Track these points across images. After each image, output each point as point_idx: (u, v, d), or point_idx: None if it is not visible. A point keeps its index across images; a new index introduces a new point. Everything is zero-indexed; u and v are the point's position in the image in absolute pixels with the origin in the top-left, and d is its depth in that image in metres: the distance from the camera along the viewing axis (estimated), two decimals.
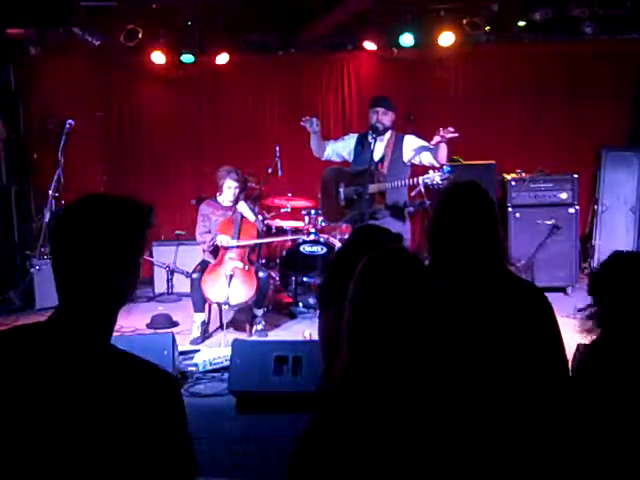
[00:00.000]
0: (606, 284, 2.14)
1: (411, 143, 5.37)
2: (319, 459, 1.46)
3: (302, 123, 5.42)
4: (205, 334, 5.85)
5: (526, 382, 2.08)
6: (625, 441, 1.94)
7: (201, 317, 5.86)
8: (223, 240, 5.77)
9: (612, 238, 7.45)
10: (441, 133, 4.98)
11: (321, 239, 6.34)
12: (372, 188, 5.15)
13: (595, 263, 7.46)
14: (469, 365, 1.99)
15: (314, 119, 5.44)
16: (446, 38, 6.94)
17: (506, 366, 2.08)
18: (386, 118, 5.37)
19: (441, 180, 4.79)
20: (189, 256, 6.94)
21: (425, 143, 5.29)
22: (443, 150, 5.06)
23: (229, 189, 6.01)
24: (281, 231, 6.90)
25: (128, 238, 1.51)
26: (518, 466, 1.92)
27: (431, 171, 4.93)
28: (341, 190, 5.49)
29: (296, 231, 6.73)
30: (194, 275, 5.84)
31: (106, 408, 1.40)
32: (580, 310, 2.37)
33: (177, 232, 7.54)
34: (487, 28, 6.94)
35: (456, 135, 4.96)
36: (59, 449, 1.38)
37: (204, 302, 5.82)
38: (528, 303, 2.20)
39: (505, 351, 2.09)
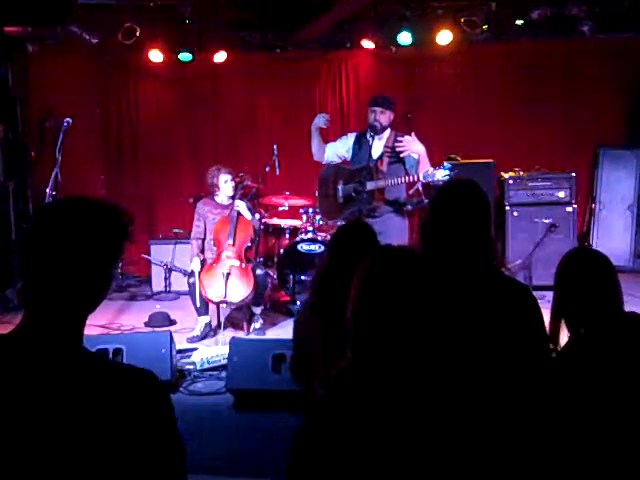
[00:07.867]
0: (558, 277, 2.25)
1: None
2: (317, 452, 1.47)
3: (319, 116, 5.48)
4: (207, 336, 5.82)
5: (511, 377, 2.09)
6: (608, 431, 1.96)
7: (205, 320, 5.86)
8: (194, 266, 5.83)
9: (609, 236, 7.46)
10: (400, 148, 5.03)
11: (319, 237, 6.34)
12: (371, 185, 5.14)
13: None
14: (457, 360, 2.01)
15: (326, 115, 5.47)
16: (444, 37, 6.94)
17: (492, 361, 2.10)
18: (384, 117, 5.35)
19: (442, 177, 4.77)
20: (187, 254, 6.93)
21: (415, 156, 5.22)
22: (423, 164, 5.08)
23: (226, 183, 6.02)
24: (278, 229, 6.91)
25: (103, 244, 1.46)
26: (509, 459, 1.93)
27: (431, 168, 4.91)
28: (339, 187, 5.47)
29: (294, 230, 6.74)
30: (190, 280, 5.83)
31: (87, 414, 1.37)
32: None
33: (175, 230, 7.53)
34: (485, 27, 6.93)
35: (406, 149, 4.97)
36: (42, 458, 1.35)
37: (206, 305, 5.81)
38: (514, 299, 2.23)
39: (492, 344, 2.12)
